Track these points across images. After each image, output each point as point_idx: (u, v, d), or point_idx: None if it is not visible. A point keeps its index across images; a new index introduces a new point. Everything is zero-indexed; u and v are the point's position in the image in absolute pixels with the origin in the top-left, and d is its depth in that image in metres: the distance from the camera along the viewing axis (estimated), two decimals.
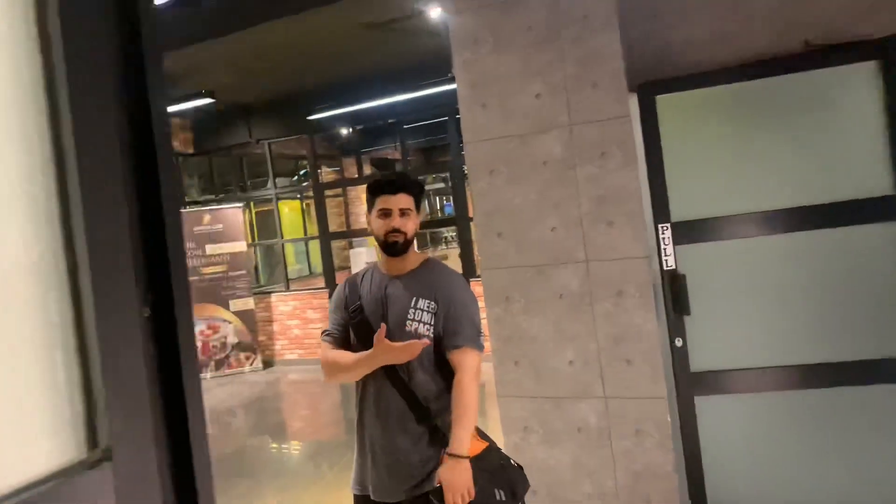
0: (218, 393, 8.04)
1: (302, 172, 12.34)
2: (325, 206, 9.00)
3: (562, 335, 2.76)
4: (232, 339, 8.86)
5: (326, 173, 13.04)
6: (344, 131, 10.19)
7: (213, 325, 8.83)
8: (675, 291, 2.74)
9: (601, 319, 2.70)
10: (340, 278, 12.32)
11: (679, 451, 2.73)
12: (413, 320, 1.99)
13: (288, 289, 9.21)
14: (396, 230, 2.01)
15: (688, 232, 2.74)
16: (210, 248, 8.87)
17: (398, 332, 1.98)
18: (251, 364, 8.88)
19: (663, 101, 2.73)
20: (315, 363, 8.75)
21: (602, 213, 2.69)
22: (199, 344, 8.73)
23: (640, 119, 2.73)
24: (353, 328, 2.08)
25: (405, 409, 1.97)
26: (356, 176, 11.92)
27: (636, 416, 2.68)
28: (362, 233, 12.72)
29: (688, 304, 2.74)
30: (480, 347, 2.00)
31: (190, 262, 8.82)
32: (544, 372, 2.79)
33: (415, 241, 2.11)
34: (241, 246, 8.95)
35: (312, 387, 8.05)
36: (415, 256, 2.09)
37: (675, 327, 2.76)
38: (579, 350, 2.74)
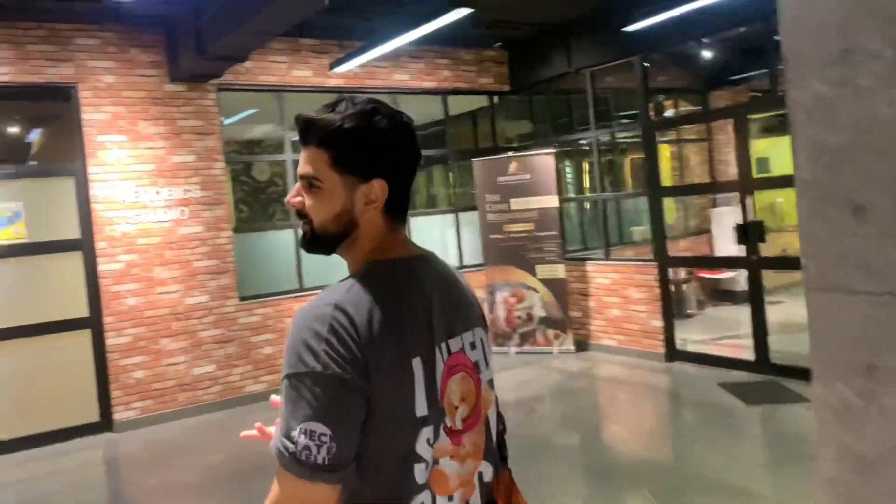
0: (521, 373, 7.36)
1: (667, 111, 10.71)
2: (655, 152, 7.44)
3: None
4: (539, 312, 8.06)
5: (679, 111, 11.21)
6: (687, 51, 8.32)
7: (518, 292, 8.13)
8: None
9: None
10: (692, 246, 10.67)
11: None
12: None
13: (607, 257, 7.97)
14: (298, 213, 1.29)
15: None
16: (515, 202, 8.11)
17: None
18: (560, 343, 7.97)
19: None
20: (635, 355, 7.53)
21: None
22: (502, 312, 8.14)
23: None
24: None
25: None
26: (700, 109, 9.87)
27: None
28: (723, 187, 10.71)
29: None
30: (294, 467, 1.10)
31: (492, 217, 8.20)
32: None
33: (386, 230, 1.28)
34: (552, 200, 7.98)
35: (634, 383, 6.79)
36: (361, 261, 1.28)
37: None
38: None
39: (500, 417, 1.49)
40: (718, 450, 4.86)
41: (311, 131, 1.23)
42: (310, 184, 1.24)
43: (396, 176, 1.25)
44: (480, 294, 8.37)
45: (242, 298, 6.85)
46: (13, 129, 7.58)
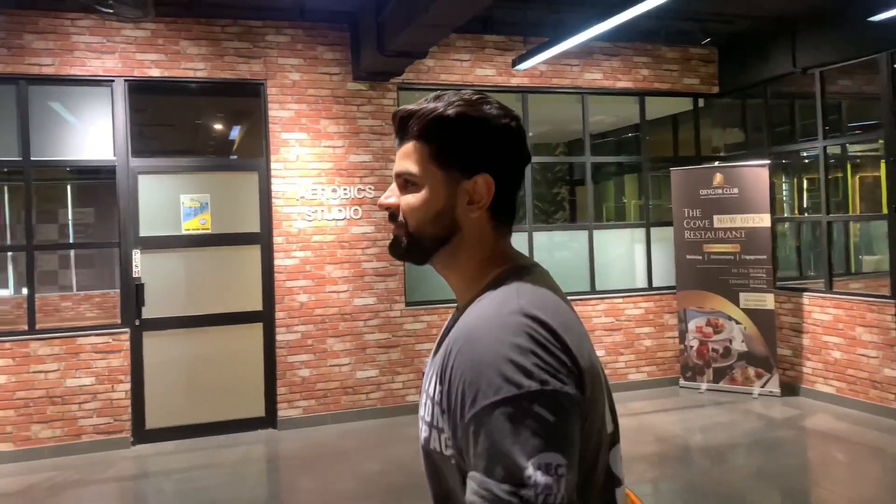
0: (712, 414, 6.55)
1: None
2: None
3: None
4: (738, 346, 7.14)
5: None
6: None
7: (716, 321, 7.26)
8: None
9: None
10: None
11: None
12: (425, 422, 1.08)
13: (830, 289, 6.85)
14: (391, 217, 1.17)
15: None
16: (719, 220, 7.25)
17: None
18: (763, 384, 7.00)
19: None
20: (859, 407, 6.37)
21: None
22: (694, 343, 7.33)
23: None
24: None
25: None
26: None
27: None
28: None
29: None
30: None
31: (690, 235, 7.40)
32: None
33: (480, 240, 1.15)
34: (763, 219, 7.03)
35: (856, 442, 5.73)
36: (479, 271, 1.13)
37: None
38: None
39: None
40: None
41: (410, 124, 1.14)
42: (406, 182, 1.15)
43: (504, 174, 1.13)
44: (670, 320, 7.61)
45: (409, 304, 6.71)
46: (206, 123, 8.12)
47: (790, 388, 7.02)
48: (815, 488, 4.97)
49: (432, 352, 1.19)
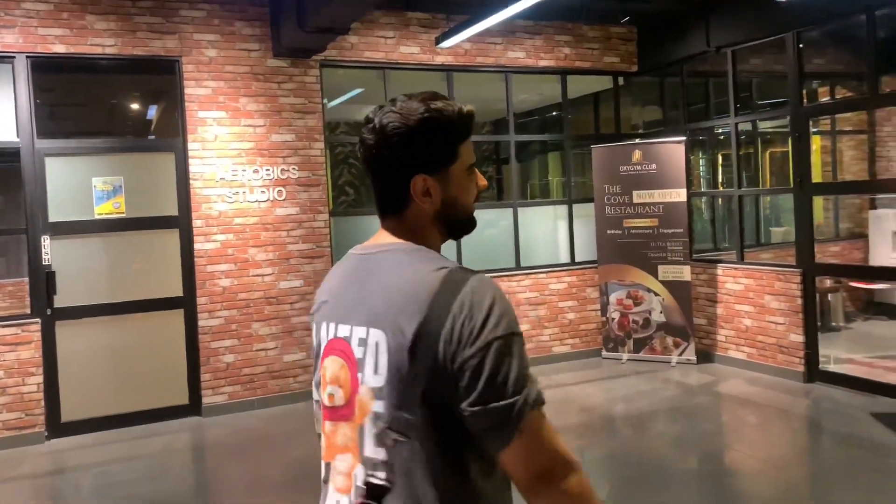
0: (633, 383, 6.73)
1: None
2: (808, 143, 6.50)
3: None
4: (657, 317, 7.35)
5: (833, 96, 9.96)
6: (852, 28, 7.22)
7: (636, 294, 7.44)
8: None
9: None
10: (842, 252, 9.48)
11: None
12: None
13: (741, 260, 7.12)
14: None
15: None
16: (638, 195, 7.40)
17: None
18: (681, 353, 7.23)
19: None
20: (768, 371, 6.67)
21: None
22: (615, 315, 7.50)
23: None
24: None
25: None
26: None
27: None
28: (886, 186, 9.46)
29: None
30: None
31: (610, 211, 7.53)
32: None
33: None
34: (679, 194, 7.21)
35: (765, 405, 5.97)
36: None
37: None
38: None
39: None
40: (865, 494, 4.12)
41: None
42: None
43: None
44: (592, 294, 7.74)
45: None
46: (121, 103, 7.70)
47: (705, 356, 7.28)
48: (729, 451, 5.17)
49: None
